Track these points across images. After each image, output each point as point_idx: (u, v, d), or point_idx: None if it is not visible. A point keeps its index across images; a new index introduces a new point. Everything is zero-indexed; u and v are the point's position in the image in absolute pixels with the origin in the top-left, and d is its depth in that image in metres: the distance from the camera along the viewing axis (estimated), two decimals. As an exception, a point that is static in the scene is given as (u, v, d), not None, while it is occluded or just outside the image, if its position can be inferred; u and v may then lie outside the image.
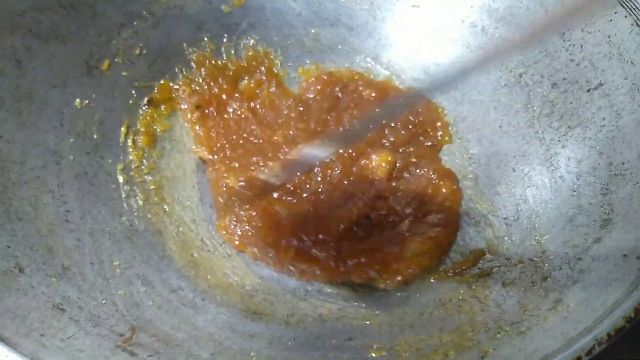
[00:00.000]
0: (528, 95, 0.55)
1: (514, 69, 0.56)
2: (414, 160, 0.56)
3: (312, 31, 0.66)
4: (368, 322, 0.44)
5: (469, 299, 0.44)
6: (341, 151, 0.54)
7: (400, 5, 0.64)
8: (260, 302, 0.47)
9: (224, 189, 0.53)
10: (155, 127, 0.57)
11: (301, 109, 0.59)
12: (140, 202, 0.52)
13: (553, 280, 0.41)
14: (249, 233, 0.50)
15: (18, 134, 0.46)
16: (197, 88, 0.60)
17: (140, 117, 0.57)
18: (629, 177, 0.43)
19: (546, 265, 0.43)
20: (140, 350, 0.37)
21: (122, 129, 0.55)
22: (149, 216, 0.51)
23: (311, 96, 0.61)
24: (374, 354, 0.41)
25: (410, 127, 0.58)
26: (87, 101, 0.53)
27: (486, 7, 0.58)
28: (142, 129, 0.56)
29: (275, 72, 0.63)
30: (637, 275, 0.34)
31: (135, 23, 0.58)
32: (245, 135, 0.58)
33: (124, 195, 0.51)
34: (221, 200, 0.52)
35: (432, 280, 0.48)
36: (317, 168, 0.53)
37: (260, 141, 0.57)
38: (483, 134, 0.57)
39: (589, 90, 0.50)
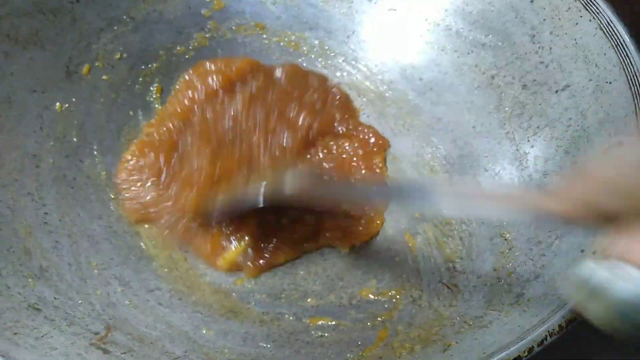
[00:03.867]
0: (500, 96, 0.56)
1: (487, 71, 0.58)
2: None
3: (292, 35, 0.67)
4: (337, 321, 0.46)
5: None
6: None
7: (377, 8, 0.65)
8: (236, 301, 0.48)
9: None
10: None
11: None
12: (120, 205, 0.53)
13: (517, 276, 0.42)
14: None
15: (-4, 137, 0.47)
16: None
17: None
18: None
19: (511, 261, 0.44)
20: (114, 348, 0.38)
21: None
22: (127, 218, 0.52)
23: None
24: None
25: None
26: (67, 105, 0.54)
27: (460, 11, 0.60)
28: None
29: None
30: (591, 270, 0.35)
31: (115, 27, 0.59)
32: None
33: (103, 198, 0.52)
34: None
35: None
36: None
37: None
38: (457, 135, 0.58)
39: (557, 92, 0.51)
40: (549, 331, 0.31)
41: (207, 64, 0.61)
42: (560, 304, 0.33)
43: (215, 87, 0.58)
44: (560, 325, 0.32)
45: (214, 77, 0.59)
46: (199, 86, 0.59)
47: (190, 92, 0.59)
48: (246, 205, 0.44)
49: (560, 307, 0.33)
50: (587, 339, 0.53)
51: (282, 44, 0.67)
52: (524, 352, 0.31)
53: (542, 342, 0.31)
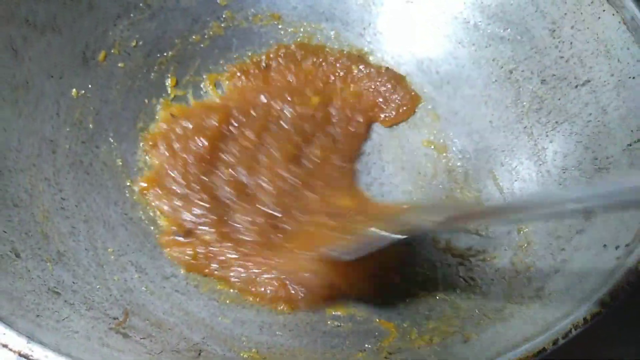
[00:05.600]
0: (518, 90, 0.56)
1: (505, 65, 0.57)
2: None
3: (308, 26, 0.67)
4: (354, 311, 0.45)
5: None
6: None
7: (394, 0, 0.65)
8: (252, 290, 0.48)
9: None
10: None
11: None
12: (136, 192, 0.52)
13: (536, 270, 0.42)
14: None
15: (14, 122, 0.47)
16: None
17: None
18: (613, 171, 0.44)
19: (530, 255, 0.44)
20: (134, 332, 0.38)
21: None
22: (143, 205, 0.52)
23: None
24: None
25: None
26: (83, 91, 0.54)
27: (478, 4, 0.59)
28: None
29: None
30: (615, 264, 0.35)
31: (131, 15, 0.59)
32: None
33: (119, 185, 0.52)
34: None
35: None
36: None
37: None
38: (473, 129, 0.58)
39: (576, 87, 0.51)
40: (573, 324, 0.31)
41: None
42: (584, 297, 0.33)
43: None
44: (585, 319, 0.31)
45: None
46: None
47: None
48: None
49: (584, 300, 0.33)
50: (591, 339, 0.52)
51: (297, 34, 0.66)
52: (549, 343, 0.30)
53: (567, 334, 0.31)
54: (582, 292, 0.34)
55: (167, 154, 0.54)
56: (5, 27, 0.48)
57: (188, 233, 0.49)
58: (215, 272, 0.47)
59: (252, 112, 0.59)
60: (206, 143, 0.54)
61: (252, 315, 0.45)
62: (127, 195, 0.52)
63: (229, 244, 0.49)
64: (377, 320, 0.45)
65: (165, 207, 0.51)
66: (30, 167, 0.46)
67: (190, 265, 0.48)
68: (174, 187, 0.52)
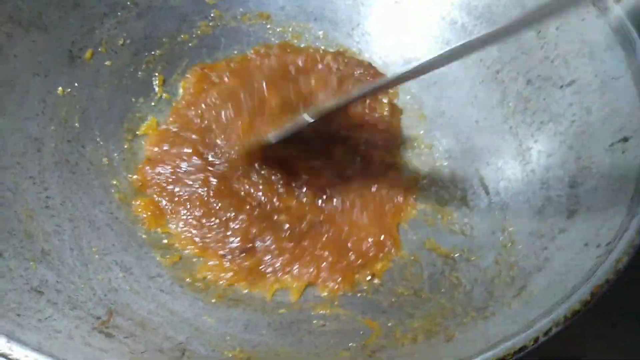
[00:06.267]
0: (504, 91, 0.56)
1: (491, 66, 0.58)
2: None
3: (296, 25, 0.67)
4: (339, 311, 0.46)
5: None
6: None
7: (383, 1, 0.65)
8: (237, 290, 0.48)
9: None
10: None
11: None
12: (122, 192, 0.52)
13: (519, 269, 0.42)
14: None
15: (-2, 120, 0.47)
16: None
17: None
18: (595, 171, 0.44)
19: (514, 254, 0.44)
20: (117, 332, 0.38)
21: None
22: (129, 205, 0.52)
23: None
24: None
25: None
26: (69, 89, 0.53)
27: (465, 5, 0.60)
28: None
29: None
30: (595, 262, 0.35)
31: (118, 13, 0.59)
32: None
33: (104, 184, 0.52)
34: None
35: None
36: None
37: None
38: (460, 129, 0.58)
39: (561, 87, 0.51)
40: (554, 321, 0.32)
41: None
42: (565, 296, 0.33)
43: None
44: (565, 317, 0.32)
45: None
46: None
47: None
48: (295, 128, 0.49)
49: (565, 299, 0.33)
50: (582, 337, 0.53)
51: (285, 34, 0.66)
52: (530, 341, 0.31)
53: (547, 332, 0.31)
54: (563, 290, 0.34)
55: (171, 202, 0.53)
56: (-11, 24, 0.48)
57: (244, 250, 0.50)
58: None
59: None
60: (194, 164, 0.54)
61: (237, 314, 0.45)
62: (113, 194, 0.52)
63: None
64: (362, 319, 0.45)
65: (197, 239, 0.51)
66: (15, 165, 0.46)
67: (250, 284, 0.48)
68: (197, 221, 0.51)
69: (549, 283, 0.38)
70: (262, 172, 0.53)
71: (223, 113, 0.56)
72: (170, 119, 0.58)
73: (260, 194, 0.52)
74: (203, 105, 0.58)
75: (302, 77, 0.58)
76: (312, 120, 0.49)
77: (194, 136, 0.56)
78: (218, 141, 0.55)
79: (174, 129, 0.57)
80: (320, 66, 0.62)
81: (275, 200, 0.52)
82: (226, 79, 0.61)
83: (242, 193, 0.52)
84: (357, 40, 0.67)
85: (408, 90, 0.63)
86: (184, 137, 0.56)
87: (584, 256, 0.37)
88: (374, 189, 0.54)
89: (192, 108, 0.58)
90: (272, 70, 0.59)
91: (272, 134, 0.51)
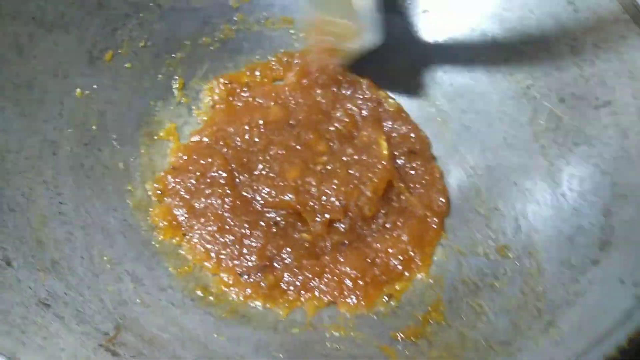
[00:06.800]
0: (535, 108, 0.54)
1: (522, 81, 0.55)
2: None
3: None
4: (355, 334, 0.44)
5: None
6: None
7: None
8: (249, 306, 0.46)
9: None
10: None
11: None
12: (136, 197, 0.51)
13: (547, 301, 0.40)
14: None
15: (16, 122, 0.46)
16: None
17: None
18: (632, 200, 0.42)
19: (541, 284, 0.42)
20: (124, 350, 0.37)
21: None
22: (143, 212, 0.50)
23: None
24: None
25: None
26: (87, 92, 0.53)
27: (497, 16, 0.57)
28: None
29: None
30: (633, 303, 0.33)
31: (141, 14, 0.58)
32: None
33: (120, 189, 0.51)
34: None
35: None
36: None
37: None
38: (487, 145, 0.56)
39: (596, 108, 0.49)
40: (586, 369, 0.30)
41: None
42: (598, 338, 0.31)
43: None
44: (598, 363, 0.30)
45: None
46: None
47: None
48: None
49: (599, 342, 0.31)
50: None
51: (308, 40, 0.65)
52: (559, 389, 0.29)
53: (578, 380, 0.29)
54: (596, 331, 0.32)
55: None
56: (12, 24, 0.48)
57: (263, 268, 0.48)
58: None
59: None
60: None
61: (249, 332, 0.43)
62: (128, 201, 0.51)
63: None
64: (378, 344, 0.43)
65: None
66: (30, 169, 0.45)
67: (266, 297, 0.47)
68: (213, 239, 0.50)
69: (580, 321, 0.35)
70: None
71: (271, 150, 0.54)
72: (206, 132, 0.56)
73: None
74: (246, 127, 0.56)
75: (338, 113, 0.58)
76: None
77: (229, 151, 0.55)
78: (260, 174, 0.53)
79: (207, 140, 0.56)
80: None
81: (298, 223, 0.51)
82: (261, 102, 0.59)
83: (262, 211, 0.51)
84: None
85: (432, 102, 0.61)
86: (216, 149, 0.55)
87: (620, 294, 0.35)
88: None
89: (232, 126, 0.56)
90: (309, 108, 0.58)
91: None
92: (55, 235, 0.43)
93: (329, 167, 0.53)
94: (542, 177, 0.50)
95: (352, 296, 0.47)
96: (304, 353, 0.42)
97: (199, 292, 0.46)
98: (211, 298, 0.46)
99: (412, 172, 0.56)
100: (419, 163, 0.56)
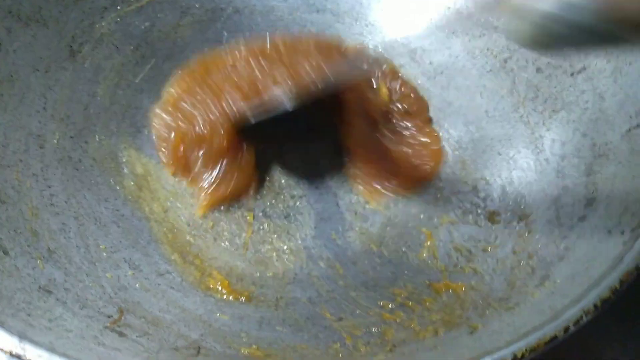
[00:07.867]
0: (513, 80, 0.55)
1: (499, 54, 0.57)
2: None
3: (299, 17, 0.66)
4: (357, 303, 0.45)
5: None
6: None
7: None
8: (248, 286, 0.46)
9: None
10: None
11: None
12: (126, 188, 0.51)
13: (539, 258, 0.41)
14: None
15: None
16: None
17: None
18: (612, 157, 0.44)
19: (532, 243, 0.44)
20: (129, 331, 0.37)
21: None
22: (134, 202, 0.50)
23: None
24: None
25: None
26: (70, 85, 0.52)
27: (471, -6, 0.59)
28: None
29: None
30: (621, 250, 0.35)
31: (118, 7, 0.57)
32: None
33: (109, 181, 0.51)
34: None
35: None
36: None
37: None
38: (469, 119, 0.58)
39: (572, 74, 0.51)
40: (584, 310, 0.31)
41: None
42: (592, 284, 0.33)
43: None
44: (595, 305, 0.31)
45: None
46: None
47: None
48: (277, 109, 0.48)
49: (593, 287, 0.32)
50: (598, 340, 0.52)
51: (289, 26, 0.65)
52: (561, 331, 0.30)
53: (577, 321, 0.30)
54: (589, 278, 0.34)
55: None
56: (-12, 19, 0.47)
57: None
58: None
59: None
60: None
61: (251, 310, 0.44)
62: (118, 191, 0.50)
63: None
64: (378, 311, 0.44)
65: None
66: (17, 162, 0.45)
67: None
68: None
69: (573, 272, 0.37)
70: None
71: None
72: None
73: None
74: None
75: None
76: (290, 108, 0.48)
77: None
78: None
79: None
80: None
81: None
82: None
83: None
84: (361, 31, 0.66)
85: (414, 80, 0.62)
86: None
87: (609, 243, 0.36)
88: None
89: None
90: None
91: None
92: (49, 226, 0.42)
93: None
94: (525, 145, 0.52)
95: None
96: (306, 326, 0.43)
97: (197, 275, 0.46)
98: (206, 282, 0.46)
99: (406, 132, 0.57)
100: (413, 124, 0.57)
